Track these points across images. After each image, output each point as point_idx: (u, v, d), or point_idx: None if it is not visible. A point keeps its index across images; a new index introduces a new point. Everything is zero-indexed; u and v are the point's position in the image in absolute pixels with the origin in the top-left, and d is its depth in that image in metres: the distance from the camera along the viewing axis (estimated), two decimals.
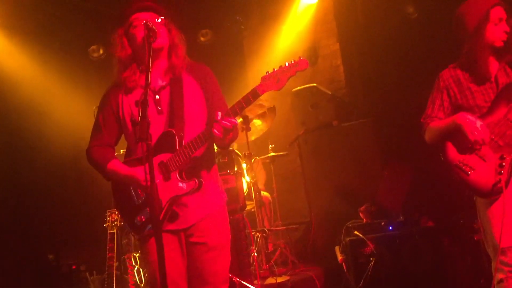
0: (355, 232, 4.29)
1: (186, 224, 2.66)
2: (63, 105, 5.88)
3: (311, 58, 6.33)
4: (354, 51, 6.21)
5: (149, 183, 2.11)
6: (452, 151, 2.86)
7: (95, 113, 2.87)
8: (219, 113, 2.45)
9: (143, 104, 2.18)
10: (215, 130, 2.43)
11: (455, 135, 2.82)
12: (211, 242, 2.67)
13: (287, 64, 2.46)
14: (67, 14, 5.73)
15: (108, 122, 2.74)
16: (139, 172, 2.57)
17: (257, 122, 5.13)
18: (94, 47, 6.37)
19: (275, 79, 2.47)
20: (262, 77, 2.50)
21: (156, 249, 2.13)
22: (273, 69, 2.49)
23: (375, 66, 5.88)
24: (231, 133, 2.49)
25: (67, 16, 5.75)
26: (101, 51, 6.38)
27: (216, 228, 2.72)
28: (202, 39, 6.58)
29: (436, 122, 2.94)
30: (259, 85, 2.48)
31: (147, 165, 2.11)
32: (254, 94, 2.48)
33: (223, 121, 2.42)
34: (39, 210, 5.84)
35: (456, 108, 2.92)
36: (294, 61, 2.46)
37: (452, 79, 2.96)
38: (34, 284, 5.15)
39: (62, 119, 5.82)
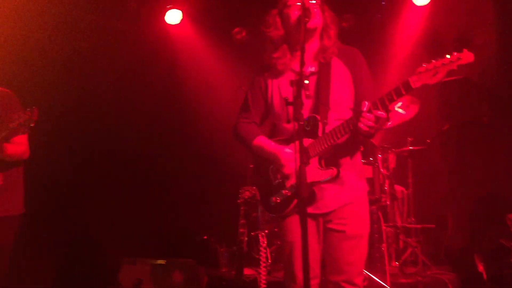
0: (501, 240, 3.92)
1: (325, 209, 2.63)
2: (211, 84, 6.18)
3: (459, 48, 5.84)
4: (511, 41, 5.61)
5: (298, 162, 2.09)
6: None
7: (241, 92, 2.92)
8: (366, 104, 2.36)
9: (297, 84, 2.17)
10: (361, 123, 2.36)
11: None
12: (349, 230, 2.61)
13: (448, 56, 2.25)
14: None
15: (256, 101, 2.81)
16: (282, 151, 2.59)
17: (399, 111, 4.88)
18: (237, 29, 6.56)
19: (432, 72, 2.28)
20: (417, 69, 2.32)
21: (301, 234, 2.11)
22: (432, 61, 2.29)
23: None
24: (377, 125, 2.38)
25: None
26: (244, 33, 6.54)
27: (356, 217, 2.65)
28: (343, 24, 6.44)
29: None
30: (413, 77, 2.31)
31: (297, 142, 2.10)
32: (406, 87, 2.32)
33: (370, 114, 2.33)
34: (177, 182, 6.23)
35: None
36: (456, 53, 2.23)
37: None
38: (166, 250, 5.50)
39: (208, 96, 6.12)
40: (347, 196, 2.63)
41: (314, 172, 2.51)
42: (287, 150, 2.61)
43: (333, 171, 2.50)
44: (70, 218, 5.30)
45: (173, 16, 5.85)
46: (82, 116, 5.57)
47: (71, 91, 5.45)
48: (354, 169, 2.68)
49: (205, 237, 5.56)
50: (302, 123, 2.13)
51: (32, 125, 3.01)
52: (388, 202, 4.60)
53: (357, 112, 2.42)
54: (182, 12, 5.86)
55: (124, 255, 4.80)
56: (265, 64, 2.79)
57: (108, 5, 5.55)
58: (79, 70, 5.55)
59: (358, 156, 2.74)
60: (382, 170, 4.64)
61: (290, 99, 2.20)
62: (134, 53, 5.91)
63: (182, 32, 6.14)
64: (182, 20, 5.90)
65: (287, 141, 2.66)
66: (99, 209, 5.66)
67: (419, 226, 4.99)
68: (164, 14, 5.84)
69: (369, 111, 2.34)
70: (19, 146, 3.27)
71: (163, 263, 4.59)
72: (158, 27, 6.01)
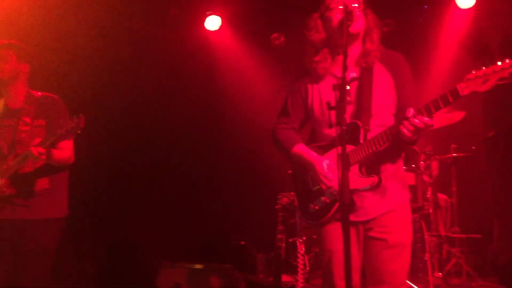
0: None
1: (366, 216, 2.55)
2: (249, 89, 6.19)
3: (507, 52, 5.64)
4: None
5: (340, 169, 2.04)
6: None
7: (279, 97, 2.91)
8: (411, 110, 2.28)
9: (340, 88, 2.13)
10: (405, 129, 2.28)
11: None
12: (391, 239, 2.52)
13: (499, 63, 2.14)
14: (252, 2, 5.96)
15: (295, 106, 2.76)
16: (321, 164, 2.54)
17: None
18: (276, 34, 6.55)
19: (482, 80, 2.17)
20: (466, 76, 2.21)
21: (343, 242, 2.06)
22: (482, 68, 2.19)
23: None
24: (422, 132, 2.30)
25: (252, 5, 5.98)
26: (282, 39, 6.53)
27: (398, 225, 2.57)
28: (384, 29, 6.32)
29: None
30: (462, 84, 2.20)
31: (339, 148, 2.05)
32: (454, 94, 2.22)
33: (415, 120, 2.26)
34: (215, 187, 6.24)
35: None
36: (508, 60, 2.13)
37: None
38: (204, 255, 5.51)
39: (246, 102, 6.13)
40: (389, 204, 2.56)
41: (355, 179, 2.44)
42: (326, 162, 2.55)
43: (374, 179, 2.44)
44: (111, 222, 5.39)
45: (213, 22, 5.90)
46: (123, 121, 5.67)
47: (113, 96, 5.57)
48: (396, 177, 2.60)
49: (243, 243, 5.55)
50: (345, 128, 2.08)
51: (78, 132, 3.09)
52: (431, 211, 4.47)
53: (400, 118, 2.35)
54: (221, 18, 5.90)
55: (162, 259, 4.83)
56: (305, 69, 2.75)
57: (150, 12, 5.64)
58: (121, 76, 5.66)
59: (400, 163, 2.66)
60: (425, 177, 4.51)
61: (333, 104, 2.15)
62: (174, 58, 5.98)
63: (221, 38, 6.18)
64: (221, 26, 5.94)
65: (327, 148, 2.61)
66: (139, 213, 5.73)
67: (463, 236, 4.83)
68: (204, 21, 5.90)
69: (413, 117, 2.27)
70: (65, 151, 3.33)
71: (201, 267, 4.60)
72: (198, 33, 6.07)
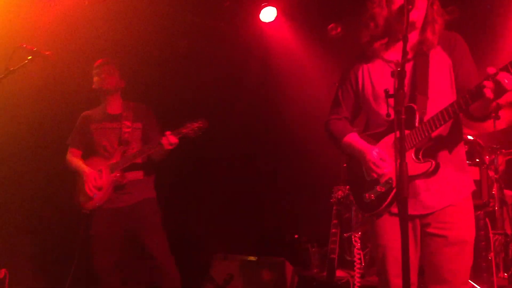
0: None
1: (424, 210, 2.43)
2: (305, 81, 6.11)
3: None
4: None
5: (398, 159, 1.94)
6: None
7: (335, 89, 2.88)
8: (492, 68, 2.09)
9: (399, 75, 2.02)
10: (488, 88, 2.07)
11: None
12: (452, 236, 2.39)
13: None
14: None
15: (346, 96, 2.70)
16: (370, 153, 2.44)
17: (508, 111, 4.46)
18: (332, 25, 6.42)
19: None
20: None
21: (401, 236, 1.95)
22: None
23: None
24: (504, 93, 2.11)
25: None
26: (339, 29, 6.39)
27: (460, 221, 2.43)
28: (446, 17, 6.04)
29: None
30: None
31: (397, 136, 1.94)
32: None
33: (499, 76, 2.05)
34: (269, 180, 6.22)
35: None
36: None
37: None
38: (257, 248, 5.50)
39: (302, 94, 6.05)
40: (449, 197, 2.42)
41: (410, 165, 2.31)
42: (376, 150, 2.45)
43: (432, 163, 2.30)
44: (169, 214, 5.49)
45: (268, 14, 5.85)
46: (181, 115, 5.73)
47: (170, 89, 5.64)
48: (456, 165, 2.45)
49: (296, 236, 5.49)
50: (404, 116, 1.97)
51: (200, 133, 3.85)
52: (496, 208, 4.22)
53: (463, 90, 2.21)
54: (276, 9, 5.83)
55: (216, 250, 4.87)
56: (357, 54, 2.66)
57: (205, 5, 5.66)
58: (178, 70, 5.72)
59: (461, 150, 2.51)
60: (490, 172, 4.26)
61: (391, 91, 2.05)
62: (230, 51, 5.98)
63: (276, 30, 6.11)
64: (276, 17, 5.88)
65: (380, 135, 2.51)
66: (194, 205, 5.81)
67: None
68: (259, 12, 5.85)
69: (498, 74, 2.06)
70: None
71: (254, 259, 4.59)
72: (253, 25, 6.04)
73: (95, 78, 4.09)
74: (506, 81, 2.05)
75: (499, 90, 2.09)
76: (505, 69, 2.07)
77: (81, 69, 4.63)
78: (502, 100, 4.67)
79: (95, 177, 3.95)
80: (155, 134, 4.01)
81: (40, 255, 5.12)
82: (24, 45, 3.39)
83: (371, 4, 2.57)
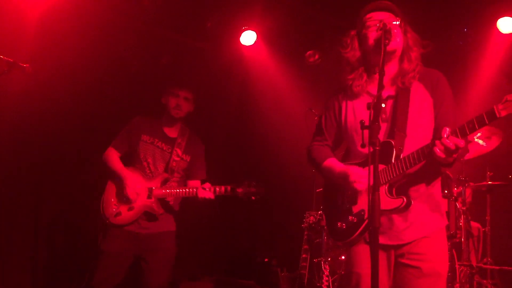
0: None
1: (398, 240, 2.47)
2: (281, 105, 6.17)
3: None
4: None
5: (366, 187, 1.97)
6: None
7: (311, 115, 2.93)
8: (447, 130, 2.19)
9: (375, 108, 2.07)
10: (437, 149, 2.20)
11: None
12: (426, 268, 2.42)
13: None
14: (288, 19, 5.95)
15: (329, 125, 2.74)
16: (353, 170, 2.48)
17: (479, 142, 4.60)
18: (310, 52, 6.53)
19: None
20: (505, 97, 2.12)
21: (371, 264, 1.97)
22: None
23: None
24: (455, 154, 2.21)
25: (287, 22, 5.97)
26: (317, 56, 6.50)
27: (434, 253, 2.47)
28: (421, 50, 6.20)
29: None
30: (499, 106, 2.12)
31: (371, 167, 1.99)
32: (490, 115, 2.14)
33: (447, 140, 2.17)
34: (241, 203, 6.20)
35: None
36: None
37: None
38: (227, 270, 5.46)
39: (278, 118, 6.10)
40: (424, 229, 2.46)
41: (383, 200, 2.36)
42: (357, 169, 2.49)
43: (403, 200, 2.36)
44: None
45: (248, 37, 5.92)
46: None
47: (147, 107, 5.62)
48: (430, 201, 2.51)
49: (266, 260, 5.48)
50: (378, 148, 2.02)
51: (253, 198, 4.07)
52: (463, 239, 4.31)
53: (435, 137, 2.26)
54: (256, 33, 5.92)
55: (185, 273, 4.80)
56: (340, 86, 2.71)
57: (187, 25, 5.70)
58: (158, 86, 5.72)
59: (436, 187, 2.56)
60: (457, 204, 4.36)
61: (366, 123, 2.10)
62: (209, 71, 6.02)
63: (255, 53, 6.19)
64: (256, 41, 5.96)
65: (359, 166, 2.54)
66: None
67: (496, 267, 4.63)
68: (240, 35, 5.93)
69: (446, 137, 2.18)
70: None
71: (223, 281, 4.56)
72: (234, 47, 6.10)
73: (173, 100, 3.99)
74: (451, 145, 2.16)
75: (448, 153, 2.19)
76: (454, 133, 2.18)
77: (62, 80, 4.58)
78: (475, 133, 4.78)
79: (135, 187, 3.78)
80: (198, 172, 4.05)
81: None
82: (1, 56, 3.33)
83: (344, 50, 2.63)
